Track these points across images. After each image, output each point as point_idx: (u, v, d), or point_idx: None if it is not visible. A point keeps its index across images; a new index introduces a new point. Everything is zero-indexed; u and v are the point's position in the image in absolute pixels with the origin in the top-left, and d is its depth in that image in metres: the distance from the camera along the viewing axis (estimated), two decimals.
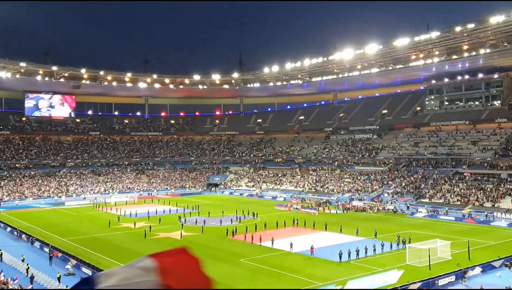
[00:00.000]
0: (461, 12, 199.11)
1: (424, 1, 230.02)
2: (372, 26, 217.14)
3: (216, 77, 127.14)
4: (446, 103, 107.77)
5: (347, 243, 52.53)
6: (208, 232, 62.38)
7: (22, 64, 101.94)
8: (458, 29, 76.42)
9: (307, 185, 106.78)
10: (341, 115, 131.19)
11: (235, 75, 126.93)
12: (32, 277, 39.08)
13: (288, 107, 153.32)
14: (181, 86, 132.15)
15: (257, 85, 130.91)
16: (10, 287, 35.41)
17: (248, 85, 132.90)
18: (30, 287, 36.82)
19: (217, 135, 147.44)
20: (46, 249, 48.92)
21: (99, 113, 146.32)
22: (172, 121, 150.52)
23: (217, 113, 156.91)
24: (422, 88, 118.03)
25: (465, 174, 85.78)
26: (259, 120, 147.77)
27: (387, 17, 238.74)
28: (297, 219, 68.60)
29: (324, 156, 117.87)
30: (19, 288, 35.03)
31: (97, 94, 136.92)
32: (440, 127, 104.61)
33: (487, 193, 76.41)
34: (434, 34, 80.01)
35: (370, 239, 54.60)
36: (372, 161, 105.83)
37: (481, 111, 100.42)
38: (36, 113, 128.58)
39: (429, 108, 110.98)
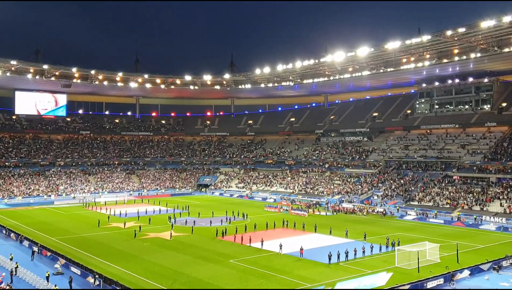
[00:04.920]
0: (452, 17, 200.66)
1: (416, 1, 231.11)
2: (363, 29, 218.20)
3: (207, 78, 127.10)
4: (436, 106, 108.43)
5: (336, 245, 52.69)
6: (198, 232, 62.28)
7: (13, 62, 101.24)
8: (449, 33, 76.91)
9: (297, 187, 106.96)
10: (332, 117, 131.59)
11: (227, 76, 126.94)
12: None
13: (279, 108, 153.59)
14: (172, 87, 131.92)
15: (248, 86, 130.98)
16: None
17: (239, 86, 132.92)
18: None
19: (207, 135, 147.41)
20: (35, 248, 48.63)
21: (90, 113, 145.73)
22: (163, 121, 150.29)
23: (208, 114, 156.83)
24: (412, 91, 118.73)
25: (454, 177, 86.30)
26: (250, 121, 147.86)
27: (378, 20, 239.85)
28: (286, 221, 68.84)
29: (314, 158, 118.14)
30: (9, 288, 34.77)
31: (88, 93, 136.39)
32: (430, 131, 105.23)
33: (476, 197, 76.95)
34: (425, 37, 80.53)
35: (359, 241, 54.85)
36: (362, 164, 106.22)
37: (471, 115, 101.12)
38: (26, 112, 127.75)
39: (419, 111, 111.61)
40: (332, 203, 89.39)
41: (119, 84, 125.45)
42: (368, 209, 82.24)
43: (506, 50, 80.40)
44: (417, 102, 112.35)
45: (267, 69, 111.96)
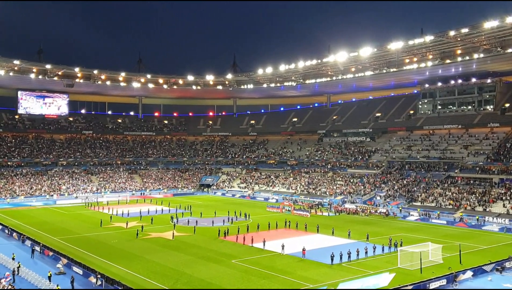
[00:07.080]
0: (455, 17, 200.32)
1: (419, 0, 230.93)
2: (366, 29, 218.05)
3: (209, 78, 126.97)
4: (439, 107, 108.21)
5: (339, 245, 52.63)
6: (200, 232, 62.27)
7: (16, 61, 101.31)
8: (452, 33, 76.73)
9: (300, 187, 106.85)
10: (334, 117, 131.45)
11: (229, 76, 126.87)
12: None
13: (281, 108, 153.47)
14: (174, 87, 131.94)
15: (250, 86, 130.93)
16: (1, 286, 35.17)
17: (242, 86, 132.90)
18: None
19: (210, 136, 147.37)
20: (36, 247, 48.67)
21: (93, 112, 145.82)
22: (166, 121, 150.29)
23: (210, 114, 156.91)
24: (415, 91, 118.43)
25: (457, 178, 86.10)
26: (252, 122, 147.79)
27: (381, 21, 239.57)
28: (289, 221, 68.77)
29: (317, 158, 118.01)
30: (11, 288, 34.77)
31: (91, 93, 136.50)
32: (433, 131, 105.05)
33: (479, 197, 76.76)
34: (428, 38, 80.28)
35: (362, 241, 54.74)
36: (365, 164, 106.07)
37: (473, 115, 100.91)
38: (29, 111, 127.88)
39: (422, 112, 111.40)
40: (335, 204, 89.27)
41: (122, 84, 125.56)
42: (371, 209, 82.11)
43: (509, 50, 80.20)
44: (420, 103, 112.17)
45: (269, 69, 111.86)
